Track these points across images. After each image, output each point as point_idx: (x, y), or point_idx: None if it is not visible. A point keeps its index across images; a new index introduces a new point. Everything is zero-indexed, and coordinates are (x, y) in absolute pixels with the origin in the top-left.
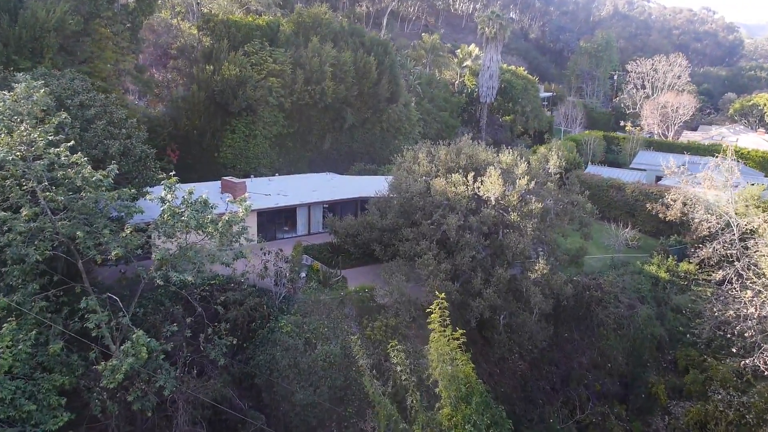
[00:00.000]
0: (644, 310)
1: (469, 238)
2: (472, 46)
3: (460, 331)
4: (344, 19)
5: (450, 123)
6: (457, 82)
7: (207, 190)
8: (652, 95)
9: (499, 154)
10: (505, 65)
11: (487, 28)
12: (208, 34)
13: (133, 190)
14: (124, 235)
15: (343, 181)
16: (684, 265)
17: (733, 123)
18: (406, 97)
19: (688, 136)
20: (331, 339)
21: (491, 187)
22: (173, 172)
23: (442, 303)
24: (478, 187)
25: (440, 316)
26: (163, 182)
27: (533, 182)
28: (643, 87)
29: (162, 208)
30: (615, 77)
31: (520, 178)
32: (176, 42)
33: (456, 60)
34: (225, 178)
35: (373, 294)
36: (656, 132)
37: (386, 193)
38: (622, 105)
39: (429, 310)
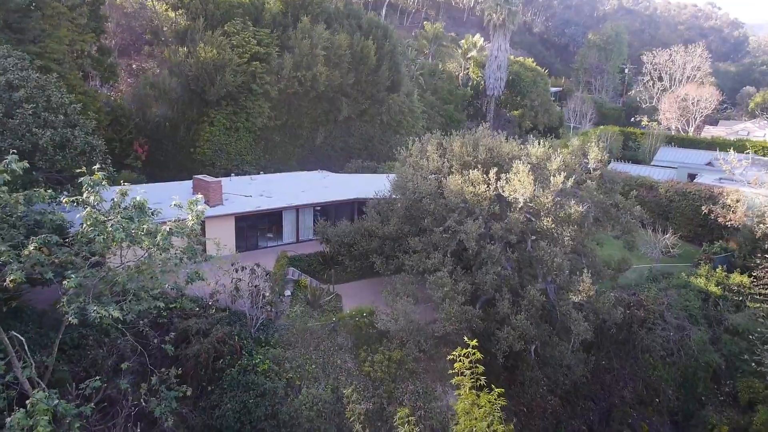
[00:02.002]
0: (697, 333)
1: (493, 249)
2: (477, 36)
3: (498, 390)
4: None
5: (455, 117)
6: (461, 74)
7: (143, 191)
8: (670, 88)
9: (527, 146)
10: (512, 57)
11: (494, 14)
12: (183, 12)
13: (49, 191)
14: (27, 252)
15: (337, 181)
16: (736, 277)
17: (753, 118)
18: (408, 87)
19: (710, 132)
20: (320, 378)
21: (520, 186)
22: (97, 166)
23: (473, 354)
24: (502, 187)
25: (470, 370)
26: (82, 179)
27: (571, 180)
28: (660, 79)
29: (79, 216)
30: (626, 70)
31: (554, 176)
32: (151, 25)
33: (460, 51)
34: (197, 176)
35: (372, 319)
36: (674, 127)
37: (388, 194)
38: (638, 99)
39: (451, 357)
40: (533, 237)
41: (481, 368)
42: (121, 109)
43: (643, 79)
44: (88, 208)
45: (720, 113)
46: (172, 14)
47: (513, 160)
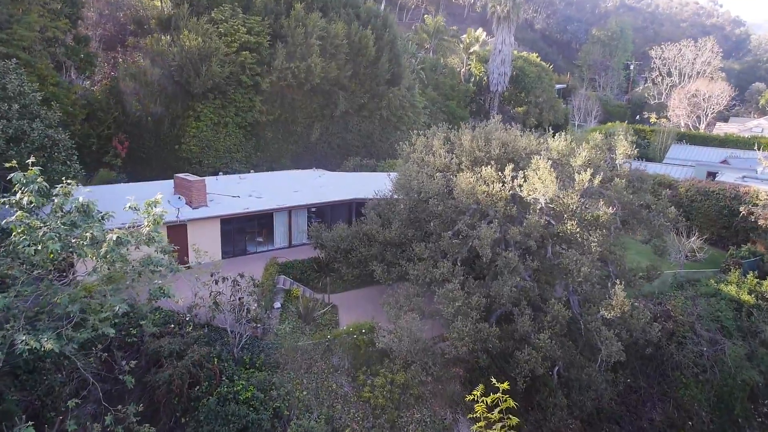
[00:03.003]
0: (732, 348)
1: (511, 257)
2: (479, 30)
3: None
4: None
5: (458, 113)
6: (463, 70)
7: (88, 190)
8: (679, 83)
9: (546, 140)
10: (516, 51)
11: (498, 6)
12: None
13: None
14: None
15: (334, 180)
16: None
17: (763, 115)
18: (409, 80)
19: (722, 128)
20: (312, 407)
21: (540, 185)
22: (32, 160)
23: (505, 401)
24: (520, 185)
25: (501, 423)
26: (12, 176)
27: (597, 178)
28: (669, 75)
29: (7, 221)
30: (631, 67)
31: (579, 173)
32: (136, 14)
33: (462, 46)
34: (178, 175)
35: (372, 337)
36: (683, 123)
37: (389, 194)
38: (646, 95)
39: (471, 396)
40: (558, 244)
41: (516, 420)
42: (98, 102)
43: (651, 75)
44: (19, 212)
45: (729, 110)
46: (157, 3)
47: (531, 155)
